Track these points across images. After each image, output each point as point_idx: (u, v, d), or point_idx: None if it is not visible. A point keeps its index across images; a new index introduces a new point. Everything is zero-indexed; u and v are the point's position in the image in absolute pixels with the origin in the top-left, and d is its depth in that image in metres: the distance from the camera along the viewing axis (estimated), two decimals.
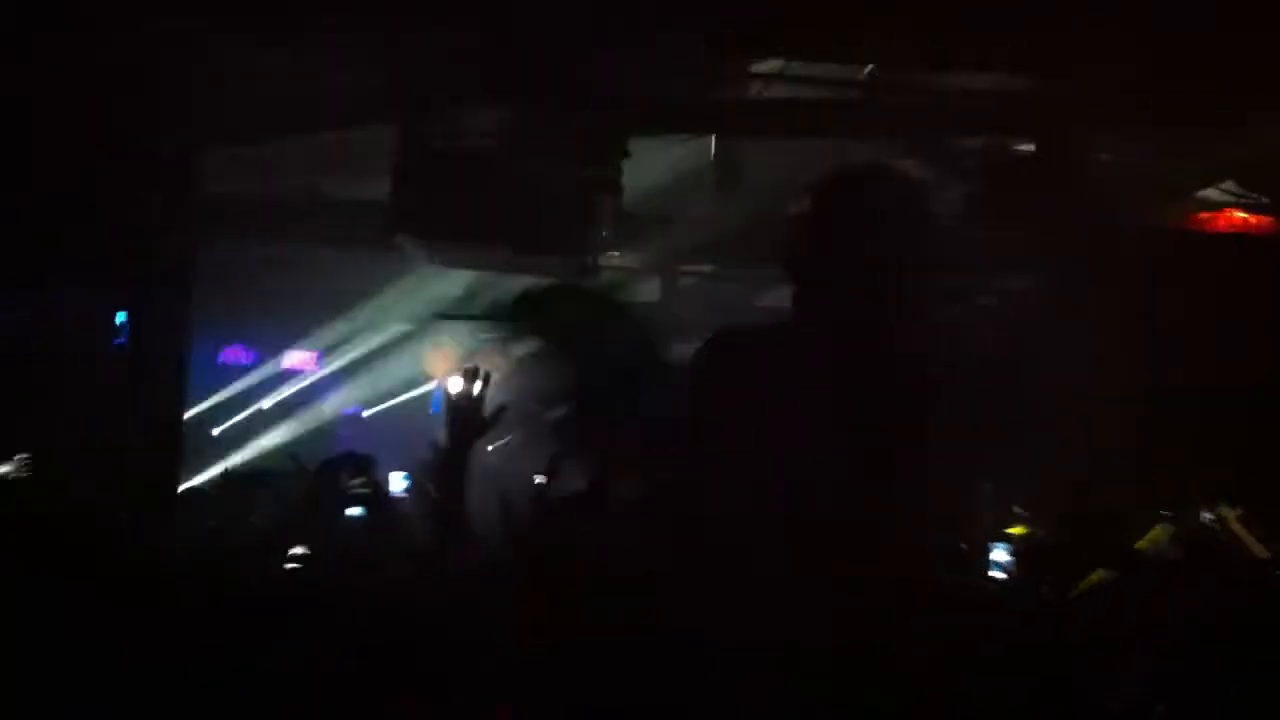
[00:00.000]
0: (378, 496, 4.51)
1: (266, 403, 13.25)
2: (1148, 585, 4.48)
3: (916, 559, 2.85)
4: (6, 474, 6.56)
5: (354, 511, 4.64)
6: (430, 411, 13.44)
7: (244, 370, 13.18)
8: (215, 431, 12.57)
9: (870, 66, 7.26)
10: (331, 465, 4.38)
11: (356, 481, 4.40)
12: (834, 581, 2.66)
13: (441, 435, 4.17)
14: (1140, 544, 4.98)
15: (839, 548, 2.67)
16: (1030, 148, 7.99)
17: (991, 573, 5.46)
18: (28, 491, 6.42)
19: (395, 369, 12.85)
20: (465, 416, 4.31)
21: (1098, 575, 4.51)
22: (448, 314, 11.23)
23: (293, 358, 13.23)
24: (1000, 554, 5.84)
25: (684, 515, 2.90)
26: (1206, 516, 5.79)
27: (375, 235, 7.92)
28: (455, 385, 12.19)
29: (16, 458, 6.59)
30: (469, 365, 4.47)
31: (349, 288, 11.16)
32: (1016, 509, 6.50)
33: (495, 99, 6.84)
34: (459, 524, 4.35)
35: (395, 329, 12.15)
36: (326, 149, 8.11)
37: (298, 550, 4.53)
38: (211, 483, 8.00)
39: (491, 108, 6.88)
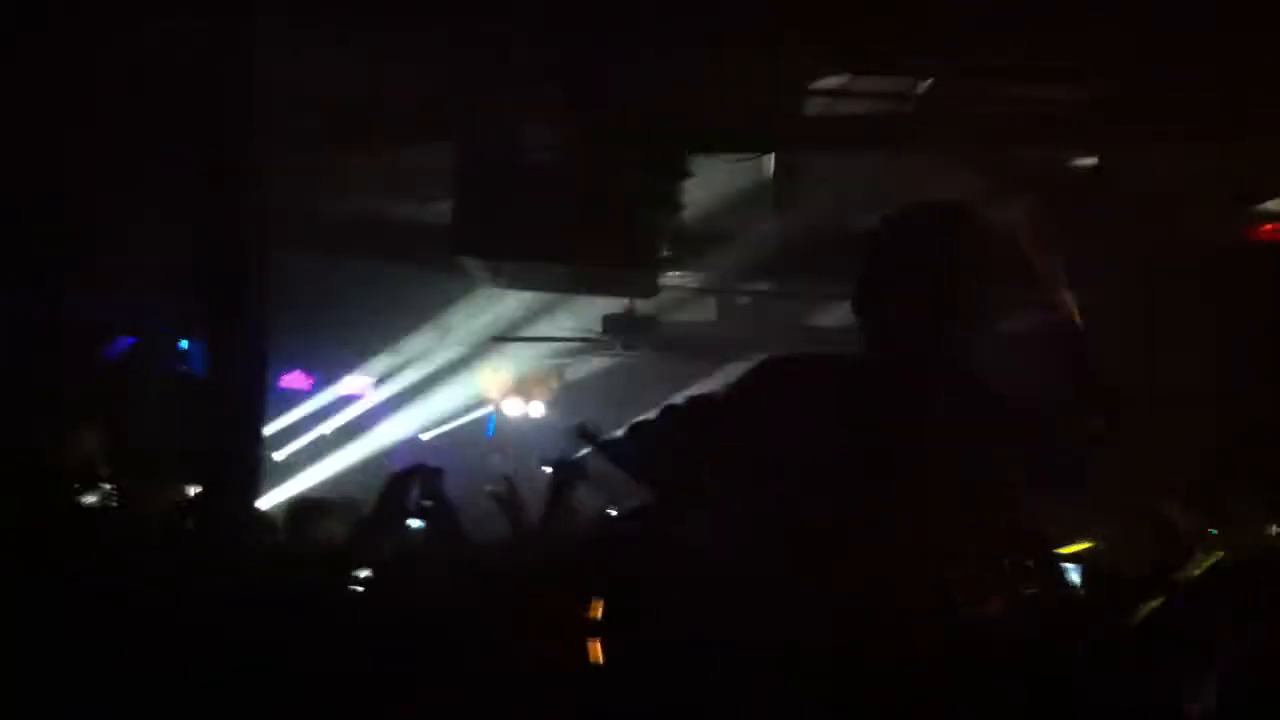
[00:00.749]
0: (443, 509, 4.56)
1: (327, 428, 13.34)
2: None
3: (971, 582, 2.87)
4: (94, 503, 6.66)
5: (416, 524, 4.69)
6: (485, 434, 13.52)
7: (303, 395, 13.27)
8: (278, 456, 12.66)
9: (930, 80, 7.26)
10: (400, 478, 4.43)
11: (423, 494, 4.46)
12: (875, 601, 2.67)
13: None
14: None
15: (880, 571, 2.69)
16: (1092, 161, 7.97)
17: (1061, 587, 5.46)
18: (114, 521, 6.52)
19: (454, 392, 12.91)
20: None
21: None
22: (506, 336, 11.28)
23: (351, 382, 13.34)
24: (1070, 572, 5.82)
25: (723, 535, 2.93)
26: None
27: (438, 256, 7.97)
28: (513, 408, 12.11)
29: (103, 487, 6.68)
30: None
31: (410, 310, 11.22)
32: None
33: (557, 115, 6.86)
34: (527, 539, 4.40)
35: (454, 351, 12.19)
36: (388, 167, 8.14)
37: (363, 573, 4.58)
38: (279, 507, 8.04)
39: (552, 124, 6.91)
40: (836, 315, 11.00)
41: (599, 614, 3.79)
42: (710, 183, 7.86)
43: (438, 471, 4.45)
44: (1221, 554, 4.97)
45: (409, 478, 4.41)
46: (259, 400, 7.32)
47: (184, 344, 10.83)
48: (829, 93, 7.37)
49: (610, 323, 10.43)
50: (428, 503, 4.43)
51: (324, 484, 11.65)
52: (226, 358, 7.07)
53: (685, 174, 7.16)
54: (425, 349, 12.03)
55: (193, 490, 7.01)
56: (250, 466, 7.15)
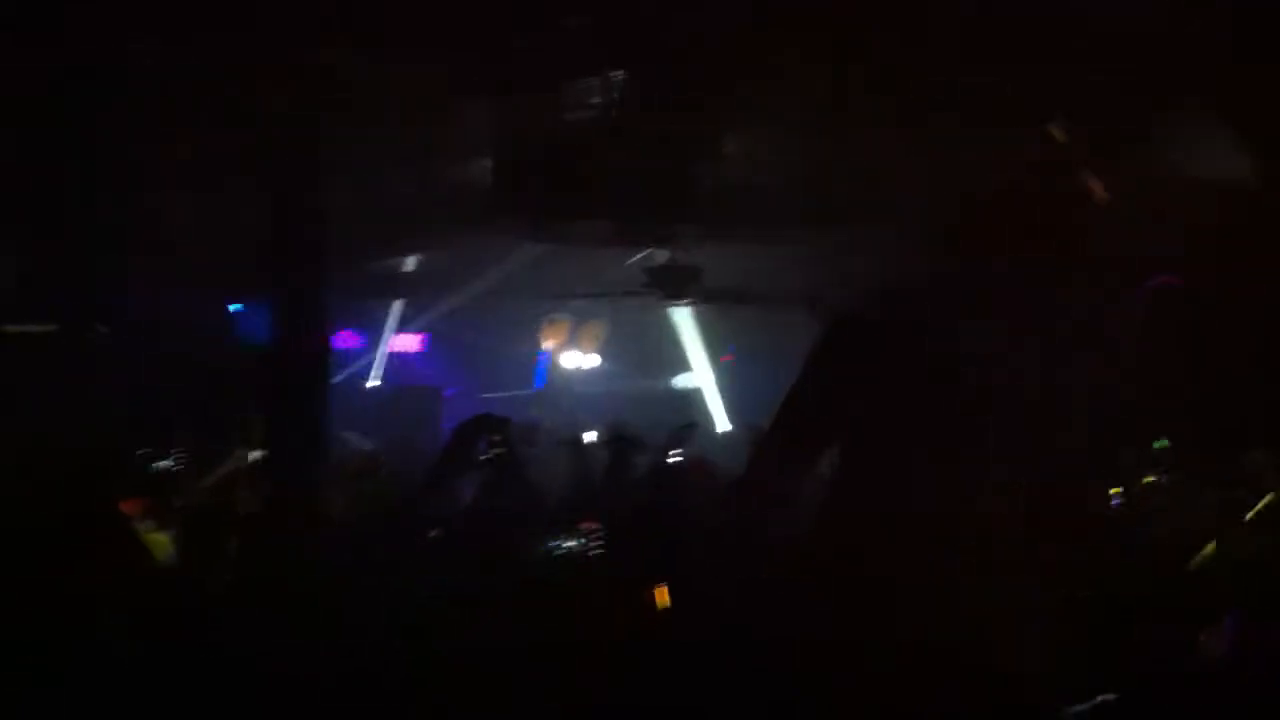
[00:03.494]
0: (510, 456, 4.71)
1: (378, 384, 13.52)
2: None
3: None
4: (167, 467, 6.91)
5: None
6: (535, 387, 13.69)
7: (354, 355, 13.45)
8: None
9: None
10: (468, 427, 4.59)
11: (492, 440, 4.60)
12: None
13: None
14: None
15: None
16: None
17: None
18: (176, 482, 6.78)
19: (505, 346, 13.10)
20: None
21: None
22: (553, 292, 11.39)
23: (401, 341, 13.52)
24: None
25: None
26: None
27: (482, 216, 8.11)
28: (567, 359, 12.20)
29: (173, 453, 6.95)
30: None
31: (457, 269, 11.38)
32: None
33: (593, 74, 6.95)
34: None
35: (504, 307, 12.35)
36: (433, 131, 8.22)
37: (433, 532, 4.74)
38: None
39: (589, 84, 6.99)
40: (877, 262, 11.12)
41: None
42: (750, 133, 7.97)
43: (504, 420, 4.60)
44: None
45: (476, 427, 4.55)
46: (324, 363, 7.52)
47: (235, 308, 11.11)
48: None
49: (653, 275, 10.56)
50: (496, 451, 4.56)
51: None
52: (290, 322, 7.26)
53: (726, 126, 7.26)
54: (476, 305, 12.18)
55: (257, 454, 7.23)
56: (317, 427, 7.37)
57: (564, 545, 4.45)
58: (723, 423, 12.65)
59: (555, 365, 13.47)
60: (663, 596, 4.14)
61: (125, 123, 7.09)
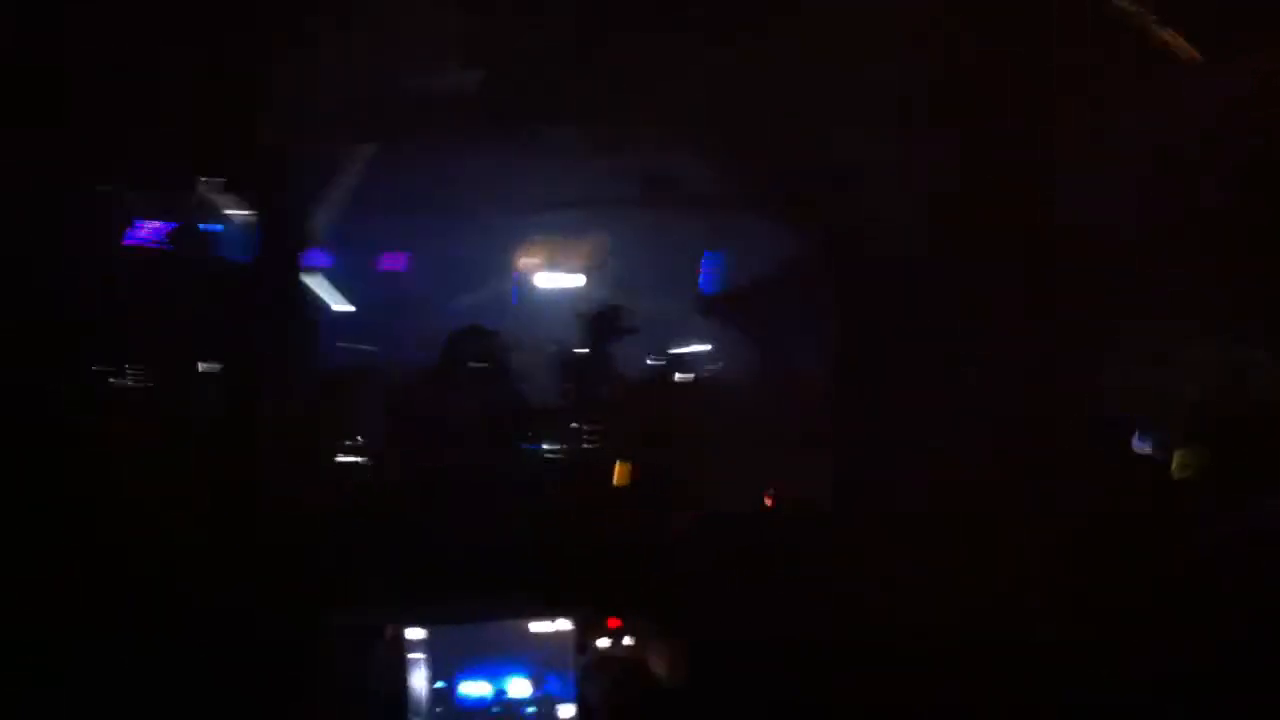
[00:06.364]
0: (501, 364, 4.79)
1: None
2: None
3: None
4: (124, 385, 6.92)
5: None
6: (511, 303, 13.64)
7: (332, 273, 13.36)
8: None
9: None
10: (460, 335, 4.66)
11: (481, 350, 4.67)
12: None
13: None
14: None
15: None
16: None
17: None
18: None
19: (488, 261, 13.02)
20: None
21: None
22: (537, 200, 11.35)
23: (384, 260, 13.44)
24: None
25: None
26: None
27: (455, 127, 8.02)
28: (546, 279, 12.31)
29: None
30: None
31: (440, 184, 11.27)
32: None
33: None
34: None
35: (487, 221, 12.27)
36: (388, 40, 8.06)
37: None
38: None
39: None
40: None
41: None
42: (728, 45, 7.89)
43: (493, 332, 4.68)
44: None
45: (467, 336, 4.62)
46: (297, 282, 7.50)
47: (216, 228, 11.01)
48: None
49: (629, 184, 10.50)
50: (485, 361, 4.64)
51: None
52: (265, 239, 7.24)
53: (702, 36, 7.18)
54: (456, 221, 12.10)
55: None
56: (295, 343, 7.37)
57: (554, 448, 4.52)
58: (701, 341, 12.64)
59: (531, 284, 13.41)
60: (622, 475, 4.23)
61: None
